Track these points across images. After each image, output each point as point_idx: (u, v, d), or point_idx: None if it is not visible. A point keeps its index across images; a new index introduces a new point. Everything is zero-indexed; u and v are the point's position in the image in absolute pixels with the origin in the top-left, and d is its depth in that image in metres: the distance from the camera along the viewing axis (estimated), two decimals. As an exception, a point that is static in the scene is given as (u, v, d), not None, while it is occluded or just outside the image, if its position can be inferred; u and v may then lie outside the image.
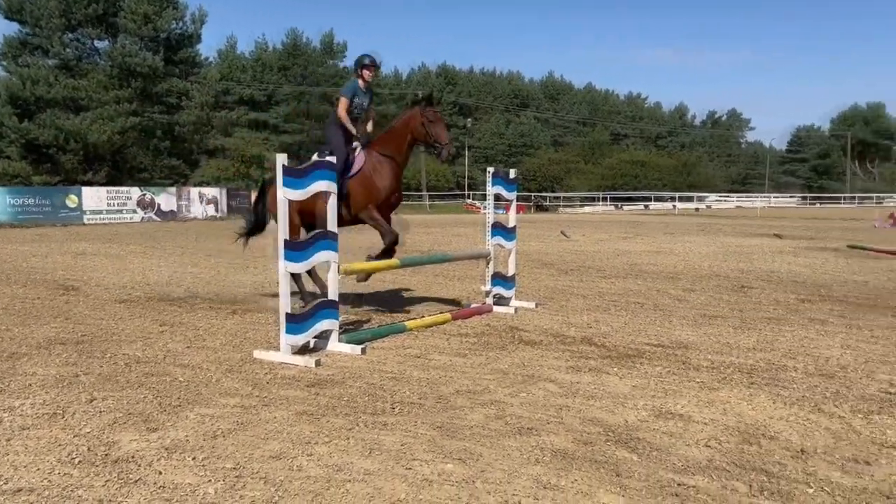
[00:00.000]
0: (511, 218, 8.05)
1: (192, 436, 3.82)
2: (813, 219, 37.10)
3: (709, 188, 66.82)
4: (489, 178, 7.77)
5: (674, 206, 51.59)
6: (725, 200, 63.08)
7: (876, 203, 59.31)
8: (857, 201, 63.03)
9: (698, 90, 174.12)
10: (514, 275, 7.96)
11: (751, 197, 65.72)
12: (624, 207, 54.24)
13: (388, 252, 7.14)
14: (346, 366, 5.32)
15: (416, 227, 27.65)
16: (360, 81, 7.25)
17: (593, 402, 4.45)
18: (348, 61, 62.07)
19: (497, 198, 7.85)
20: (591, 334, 6.50)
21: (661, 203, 55.52)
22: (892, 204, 55.63)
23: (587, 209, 51.70)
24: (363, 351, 5.67)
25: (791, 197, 69.69)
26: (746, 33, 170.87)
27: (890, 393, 4.63)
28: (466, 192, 60.53)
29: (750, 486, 3.22)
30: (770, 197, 66.66)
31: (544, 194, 52.01)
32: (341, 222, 7.10)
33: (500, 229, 7.88)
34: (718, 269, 12.13)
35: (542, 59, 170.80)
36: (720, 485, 3.23)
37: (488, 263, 7.86)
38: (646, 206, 54.61)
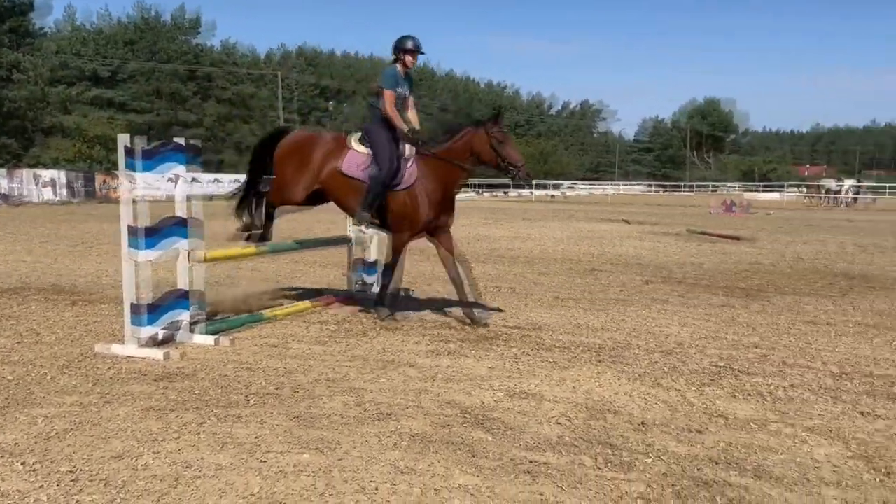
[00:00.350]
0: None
1: (22, 439, 3.51)
2: (657, 205, 39.71)
3: (564, 175, 69.75)
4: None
5: (531, 193, 53.42)
6: (579, 187, 66.08)
7: (712, 191, 64.28)
8: (695, 189, 67.99)
9: (555, 80, 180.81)
10: (376, 261, 7.93)
11: (602, 184, 69.24)
12: (485, 193, 55.52)
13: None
14: (198, 358, 5.10)
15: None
16: (400, 67, 6.41)
17: (451, 384, 4.52)
18: (202, 37, 59.21)
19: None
20: (451, 318, 6.60)
21: (519, 190, 57.29)
22: (725, 192, 60.51)
23: (449, 195, 52.48)
24: (217, 342, 5.45)
25: (638, 184, 74.08)
26: (601, 28, 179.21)
27: (719, 366, 5.04)
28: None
29: (596, 459, 3.39)
30: (620, 184, 70.54)
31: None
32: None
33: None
34: (571, 253, 12.70)
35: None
36: (569, 460, 3.38)
37: (350, 250, 7.79)
38: (505, 193, 56.16)
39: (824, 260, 11.99)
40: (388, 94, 6.23)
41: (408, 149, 6.26)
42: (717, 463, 3.36)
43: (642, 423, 3.88)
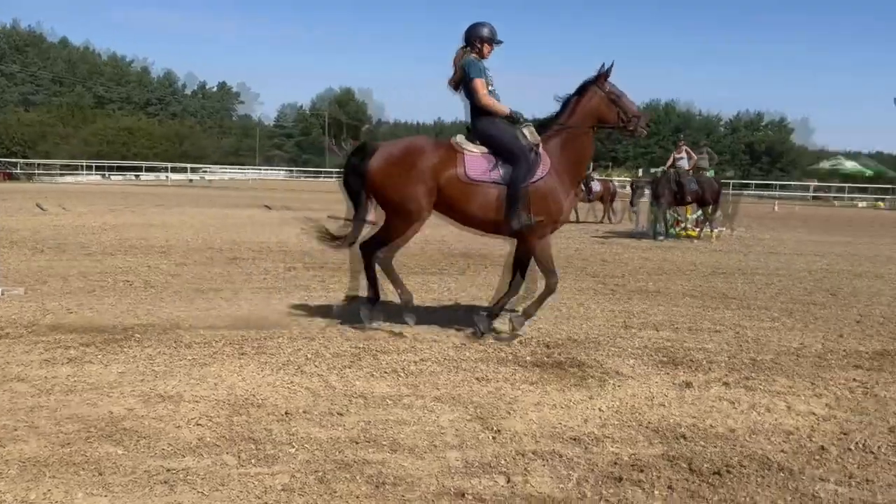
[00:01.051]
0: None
1: None
2: (300, 191, 40.27)
3: (203, 159, 66.98)
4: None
5: (167, 177, 50.25)
6: (220, 172, 64.00)
7: (349, 177, 67.25)
8: (333, 176, 70.53)
9: (189, 58, 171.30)
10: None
11: (244, 169, 67.91)
12: (112, 177, 50.70)
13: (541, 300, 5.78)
14: None
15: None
16: (476, 57, 5.70)
17: (73, 396, 4.03)
18: None
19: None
20: (71, 320, 5.87)
21: (153, 173, 53.49)
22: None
23: (70, 179, 46.73)
24: None
25: (280, 170, 74.30)
26: (242, 9, 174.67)
27: (359, 348, 5.28)
28: None
29: (239, 457, 3.30)
30: (261, 169, 70.01)
31: (14, 160, 45.18)
32: (488, 228, 5.76)
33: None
34: (212, 241, 12.22)
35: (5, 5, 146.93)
36: (210, 462, 3.23)
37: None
38: (137, 177, 51.96)
39: (448, 241, 13.34)
40: (480, 82, 5.62)
41: (529, 134, 5.62)
42: (357, 443, 3.51)
43: (286, 412, 3.89)
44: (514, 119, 5.68)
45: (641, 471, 3.28)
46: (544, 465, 3.32)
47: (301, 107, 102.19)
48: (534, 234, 5.62)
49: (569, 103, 5.78)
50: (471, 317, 5.90)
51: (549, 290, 5.71)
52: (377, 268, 5.91)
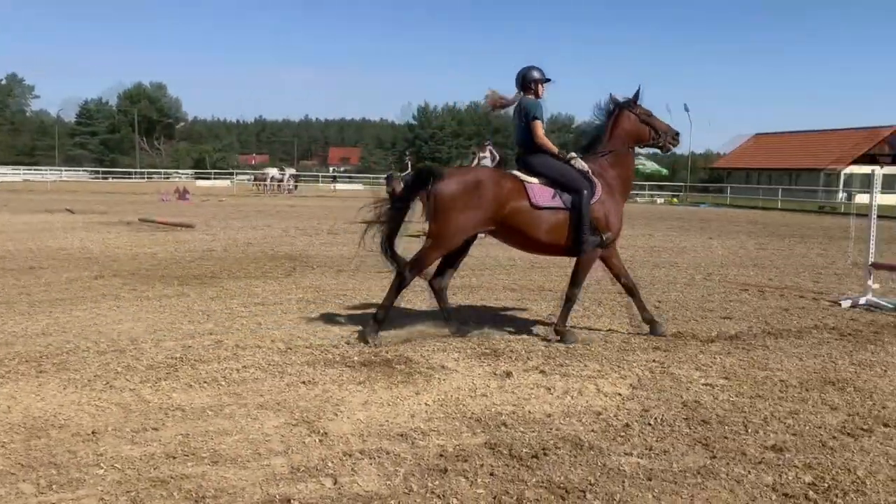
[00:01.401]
0: None
1: None
2: (105, 193, 37.36)
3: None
4: None
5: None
6: (11, 174, 57.87)
7: (164, 178, 63.50)
8: (146, 176, 66.21)
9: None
10: None
11: (40, 170, 61.88)
12: None
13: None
14: None
15: None
16: (533, 97, 6.14)
17: None
18: None
19: None
20: None
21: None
22: (177, 179, 60.45)
23: None
24: None
25: (83, 171, 68.50)
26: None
27: (175, 358, 5.00)
28: None
29: (38, 483, 3.01)
30: (61, 170, 64.16)
31: None
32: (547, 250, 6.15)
33: None
34: (2, 249, 11.03)
35: None
36: (3, 492, 2.93)
37: None
38: None
39: (271, 243, 12.99)
40: (540, 124, 6.05)
41: (578, 162, 6.00)
42: (174, 458, 3.32)
43: (93, 431, 3.60)
44: (562, 158, 6.05)
45: (465, 460, 3.39)
46: (371, 464, 3.33)
47: (106, 103, 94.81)
48: (589, 251, 5.97)
49: (604, 128, 6.26)
50: (294, 318, 5.78)
51: (570, 301, 6.04)
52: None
